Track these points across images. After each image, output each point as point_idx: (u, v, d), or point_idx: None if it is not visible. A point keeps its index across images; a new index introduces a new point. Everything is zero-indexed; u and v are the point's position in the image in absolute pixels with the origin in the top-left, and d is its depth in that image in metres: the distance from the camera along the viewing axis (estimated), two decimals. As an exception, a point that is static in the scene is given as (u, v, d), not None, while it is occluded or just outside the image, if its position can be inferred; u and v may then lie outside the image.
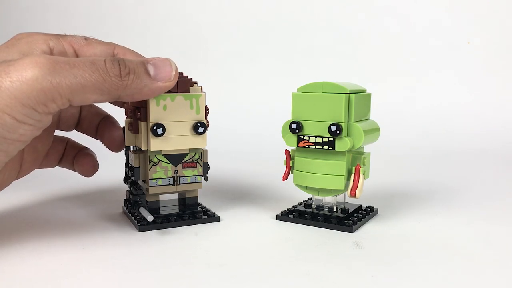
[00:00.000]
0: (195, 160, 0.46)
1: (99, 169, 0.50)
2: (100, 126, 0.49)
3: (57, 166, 0.50)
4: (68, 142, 0.49)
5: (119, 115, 0.50)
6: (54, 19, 1.25)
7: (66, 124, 0.48)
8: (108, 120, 0.50)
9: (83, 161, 0.49)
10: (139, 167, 0.45)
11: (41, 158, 0.46)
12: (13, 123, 0.35)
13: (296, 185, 0.47)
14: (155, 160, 0.44)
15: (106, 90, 0.37)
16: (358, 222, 0.45)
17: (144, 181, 0.46)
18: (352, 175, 0.44)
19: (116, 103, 0.48)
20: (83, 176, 0.50)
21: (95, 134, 0.50)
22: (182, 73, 0.45)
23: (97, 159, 0.50)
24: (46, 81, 0.35)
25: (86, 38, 0.43)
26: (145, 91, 0.39)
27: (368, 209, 0.49)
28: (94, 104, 0.48)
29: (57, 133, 0.49)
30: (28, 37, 0.40)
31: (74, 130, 0.50)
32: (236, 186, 0.62)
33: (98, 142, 0.50)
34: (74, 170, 0.50)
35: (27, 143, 0.38)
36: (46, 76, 0.35)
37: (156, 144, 0.43)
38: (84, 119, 0.49)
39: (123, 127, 0.47)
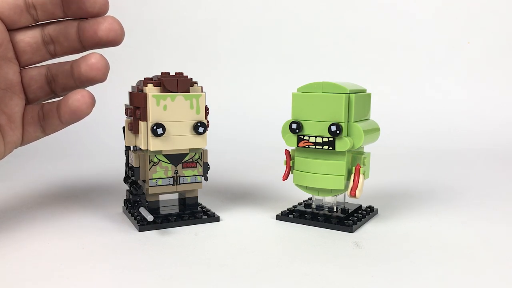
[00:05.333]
0: (195, 160, 0.46)
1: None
2: (74, 68, 0.43)
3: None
4: (43, 103, 0.45)
5: (119, 116, 0.50)
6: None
7: (30, 89, 0.44)
8: (78, 59, 0.43)
9: (72, 96, 0.42)
10: (139, 167, 0.45)
11: (18, 124, 0.43)
12: None
13: (296, 185, 0.47)
14: (155, 160, 0.44)
15: None
16: (358, 222, 0.45)
17: (144, 181, 0.46)
18: (352, 175, 0.44)
19: (67, 47, 0.44)
20: (79, 116, 0.42)
21: (75, 83, 0.44)
22: (182, 73, 0.45)
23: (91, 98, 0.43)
24: None
25: None
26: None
27: (368, 209, 0.49)
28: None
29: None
30: None
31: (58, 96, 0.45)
32: (236, 186, 0.62)
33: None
34: (62, 124, 0.44)
35: None
36: None
37: (156, 144, 0.43)
38: (57, 74, 0.44)
39: (123, 127, 0.47)
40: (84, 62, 0.42)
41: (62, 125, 0.44)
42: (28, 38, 0.44)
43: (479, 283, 0.34)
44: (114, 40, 0.42)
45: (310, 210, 0.48)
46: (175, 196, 0.50)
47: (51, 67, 0.46)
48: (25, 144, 0.46)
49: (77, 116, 0.42)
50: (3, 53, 0.42)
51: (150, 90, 0.43)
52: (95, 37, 0.42)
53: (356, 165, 0.45)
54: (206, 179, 0.47)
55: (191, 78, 0.45)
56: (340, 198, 0.48)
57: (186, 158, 0.46)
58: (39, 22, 0.44)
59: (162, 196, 0.48)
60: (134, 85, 0.47)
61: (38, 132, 0.45)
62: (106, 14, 0.42)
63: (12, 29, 0.43)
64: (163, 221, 0.45)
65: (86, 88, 0.43)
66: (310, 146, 0.45)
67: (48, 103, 0.45)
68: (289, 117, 0.47)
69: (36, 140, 0.46)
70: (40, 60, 0.45)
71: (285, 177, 0.48)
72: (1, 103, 0.43)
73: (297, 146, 0.46)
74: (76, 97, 0.42)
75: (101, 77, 0.42)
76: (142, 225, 0.44)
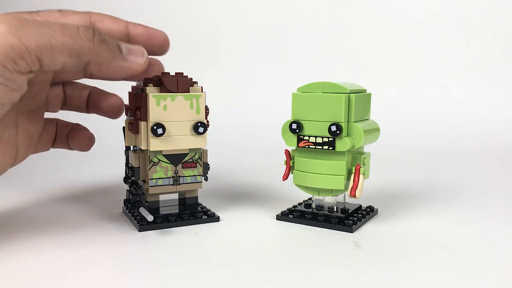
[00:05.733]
0: (195, 160, 0.46)
1: (90, 148, 0.49)
2: (91, 97, 0.48)
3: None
4: (58, 122, 0.49)
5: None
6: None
7: (53, 104, 0.47)
8: (98, 90, 0.49)
9: (78, 136, 0.48)
10: (139, 167, 0.45)
11: (35, 142, 0.46)
12: None
13: (296, 185, 0.47)
14: (155, 160, 0.44)
15: (76, 52, 0.37)
16: (358, 222, 0.45)
17: (144, 181, 0.46)
18: (352, 175, 0.44)
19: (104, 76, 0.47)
20: (81, 152, 0.49)
21: (86, 108, 0.49)
22: (182, 73, 0.45)
23: (92, 133, 0.49)
24: (12, 37, 0.34)
25: (60, 10, 0.42)
26: (114, 65, 0.39)
27: (368, 209, 0.49)
28: (79, 81, 0.48)
29: (46, 115, 0.48)
30: (2, 15, 0.40)
31: (60, 111, 0.49)
32: (236, 186, 0.62)
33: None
34: (70, 148, 0.49)
35: (5, 107, 0.38)
36: (13, 32, 0.34)
37: (156, 144, 0.43)
38: (72, 95, 0.48)
39: (123, 127, 0.47)
40: (105, 100, 0.48)
41: (70, 149, 0.49)
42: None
43: (479, 283, 0.34)
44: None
45: (310, 210, 0.48)
46: (175, 196, 0.50)
47: (65, 86, 0.48)
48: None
49: (81, 150, 0.49)
50: (44, 76, 0.43)
51: (150, 90, 0.43)
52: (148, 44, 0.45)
53: (356, 165, 0.45)
54: (206, 179, 0.47)
55: (191, 78, 0.45)
56: (340, 198, 0.48)
57: (186, 158, 0.46)
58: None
59: (162, 196, 0.48)
60: (134, 85, 0.47)
61: (46, 147, 0.48)
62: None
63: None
64: (163, 221, 0.45)
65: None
66: (310, 146, 0.45)
67: (62, 125, 0.49)
68: (289, 117, 0.46)
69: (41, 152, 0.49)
70: (76, 78, 0.47)
71: (285, 177, 0.48)
72: (30, 124, 0.44)
73: (297, 146, 0.46)
74: (77, 145, 0.48)
75: (115, 117, 0.49)
76: (142, 225, 0.44)
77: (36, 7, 0.43)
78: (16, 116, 0.42)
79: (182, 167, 0.46)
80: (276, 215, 0.48)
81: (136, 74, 0.41)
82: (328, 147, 0.44)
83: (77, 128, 0.49)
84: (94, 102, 0.48)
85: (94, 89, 0.49)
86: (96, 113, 0.49)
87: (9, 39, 0.34)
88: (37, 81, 0.42)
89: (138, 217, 0.45)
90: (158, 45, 0.44)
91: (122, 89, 0.49)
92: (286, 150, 0.48)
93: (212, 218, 0.47)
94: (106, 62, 0.38)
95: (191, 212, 0.47)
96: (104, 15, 0.44)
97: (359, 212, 0.48)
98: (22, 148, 0.44)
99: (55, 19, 0.41)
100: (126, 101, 0.47)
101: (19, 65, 0.35)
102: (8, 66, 0.35)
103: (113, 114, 0.49)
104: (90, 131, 0.49)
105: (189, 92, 0.44)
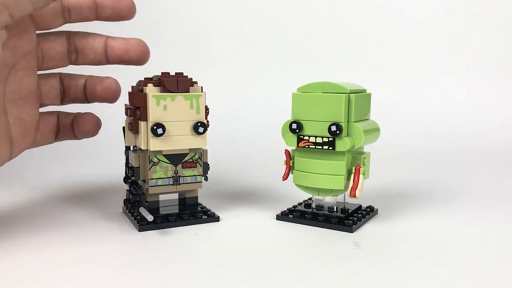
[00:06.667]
0: (195, 160, 0.46)
1: (97, 132, 0.49)
2: (87, 84, 0.48)
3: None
4: (59, 113, 0.48)
5: (119, 115, 0.50)
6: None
7: (49, 96, 0.47)
8: (93, 77, 0.48)
9: (83, 121, 0.48)
10: (139, 167, 0.45)
11: (31, 131, 0.45)
12: None
13: (296, 185, 0.47)
14: (155, 160, 0.44)
15: None
16: (358, 222, 0.45)
17: (144, 181, 0.46)
18: (352, 175, 0.44)
19: (90, 59, 0.47)
20: (88, 137, 0.49)
21: (85, 98, 0.48)
22: (182, 73, 0.45)
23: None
24: None
25: None
26: None
27: (368, 209, 0.49)
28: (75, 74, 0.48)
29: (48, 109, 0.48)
30: None
31: (62, 105, 0.49)
32: (236, 186, 0.62)
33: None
34: (76, 138, 0.49)
35: None
36: None
37: (156, 144, 0.43)
38: (69, 86, 0.48)
39: (123, 127, 0.47)
40: (100, 83, 0.47)
41: (76, 138, 0.49)
42: (58, 46, 0.46)
43: (479, 283, 0.34)
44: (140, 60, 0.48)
45: (310, 210, 0.48)
46: (175, 196, 0.50)
47: (63, 78, 0.47)
48: (33, 147, 0.46)
49: (88, 136, 0.49)
50: (27, 63, 0.43)
51: (150, 90, 0.43)
52: (124, 56, 0.47)
53: (356, 165, 0.45)
54: (206, 179, 0.47)
55: (191, 78, 0.45)
56: (340, 198, 0.48)
57: (186, 158, 0.46)
58: (67, 31, 0.46)
59: (162, 196, 0.48)
60: (134, 85, 0.47)
61: (48, 139, 0.48)
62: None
63: (42, 32, 0.45)
64: (163, 221, 0.45)
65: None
66: (310, 146, 0.45)
67: (64, 115, 0.48)
68: (289, 117, 0.47)
69: (44, 145, 0.48)
70: (59, 67, 0.47)
71: (285, 177, 0.48)
72: (22, 112, 0.44)
73: (297, 146, 0.46)
74: (83, 129, 0.48)
75: (112, 100, 0.48)
76: (142, 225, 0.44)
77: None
78: (3, 102, 0.42)
79: (182, 167, 0.46)
80: (276, 215, 0.48)
81: None
82: (328, 147, 0.44)
83: (81, 114, 0.48)
84: (90, 89, 0.48)
85: (90, 77, 0.48)
86: (95, 101, 0.48)
87: None
88: (20, 66, 0.42)
89: (138, 217, 0.45)
90: (125, 8, 0.45)
91: (122, 89, 0.49)
92: (286, 150, 0.48)
93: (212, 218, 0.47)
94: None
95: (191, 212, 0.47)
96: None
97: (359, 212, 0.48)
98: (17, 137, 0.44)
99: None
100: (126, 100, 0.47)
101: None
102: None
103: (110, 96, 0.48)
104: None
105: (189, 92, 0.44)
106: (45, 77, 0.47)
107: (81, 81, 0.48)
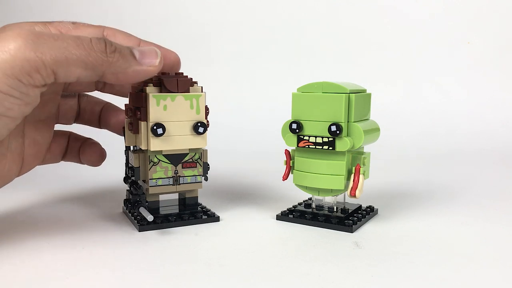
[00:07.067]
0: (195, 160, 0.46)
1: (101, 163, 0.50)
2: (103, 113, 0.49)
3: (62, 164, 0.50)
4: (70, 135, 0.49)
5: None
6: (55, 19, 1.25)
7: (65, 117, 0.48)
8: (110, 106, 0.50)
9: (89, 151, 0.49)
10: (139, 167, 0.45)
11: (43, 152, 0.46)
12: None
13: (296, 185, 0.47)
14: (155, 160, 0.44)
15: (91, 64, 0.37)
16: (358, 222, 0.45)
17: (144, 181, 0.46)
18: (352, 175, 0.44)
19: (116, 91, 0.48)
20: (91, 167, 0.50)
21: (98, 123, 0.50)
22: (182, 73, 0.45)
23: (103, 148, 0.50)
24: (29, 51, 0.35)
25: (73, 23, 0.43)
26: (130, 72, 0.39)
27: (368, 209, 0.49)
28: (92, 95, 0.49)
29: (58, 127, 0.49)
30: (15, 25, 0.40)
31: (74, 124, 0.50)
32: (236, 186, 0.62)
33: (102, 134, 0.50)
34: (80, 162, 0.50)
35: (17, 120, 0.38)
36: (29, 46, 0.35)
37: (156, 144, 0.43)
38: (85, 109, 0.49)
39: (123, 127, 0.47)
40: (115, 116, 0.49)
41: (80, 162, 0.50)
42: None
43: (479, 283, 0.34)
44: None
45: (310, 210, 0.48)
46: (175, 196, 0.50)
47: (80, 99, 0.49)
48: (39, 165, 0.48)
49: (91, 165, 0.50)
50: (54, 87, 0.44)
51: (150, 90, 0.43)
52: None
53: (356, 165, 0.45)
54: (206, 179, 0.47)
55: (191, 78, 0.45)
56: (340, 198, 0.48)
57: (186, 158, 0.46)
58: None
59: (162, 196, 0.48)
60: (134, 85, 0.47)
61: (56, 159, 0.49)
62: None
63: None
64: (163, 221, 0.45)
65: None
66: (310, 146, 0.45)
67: (74, 139, 0.49)
68: (289, 117, 0.47)
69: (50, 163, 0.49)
70: (85, 92, 0.48)
71: (285, 177, 0.48)
72: (38, 134, 0.44)
73: (297, 146, 0.46)
74: (87, 159, 0.49)
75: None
76: (142, 225, 0.44)
77: (36, 9, 0.43)
78: (23, 125, 0.43)
79: (182, 167, 0.46)
80: (276, 215, 0.48)
81: (153, 75, 0.41)
82: (328, 147, 0.44)
83: (89, 143, 0.50)
84: (105, 118, 0.49)
85: (107, 105, 0.50)
86: (107, 129, 0.50)
87: (25, 53, 0.34)
88: (47, 92, 0.42)
89: (138, 217, 0.45)
90: (169, 65, 0.45)
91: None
92: (286, 150, 0.48)
93: (212, 218, 0.47)
94: (121, 70, 0.39)
95: (191, 212, 0.47)
96: (117, 30, 0.44)
97: (359, 212, 0.48)
98: (29, 158, 0.44)
99: (68, 31, 0.42)
100: (126, 101, 0.47)
101: (34, 78, 0.35)
102: (23, 80, 0.35)
103: (120, 132, 0.49)
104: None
105: (189, 92, 0.44)
106: (65, 98, 0.48)
107: (98, 108, 0.50)
